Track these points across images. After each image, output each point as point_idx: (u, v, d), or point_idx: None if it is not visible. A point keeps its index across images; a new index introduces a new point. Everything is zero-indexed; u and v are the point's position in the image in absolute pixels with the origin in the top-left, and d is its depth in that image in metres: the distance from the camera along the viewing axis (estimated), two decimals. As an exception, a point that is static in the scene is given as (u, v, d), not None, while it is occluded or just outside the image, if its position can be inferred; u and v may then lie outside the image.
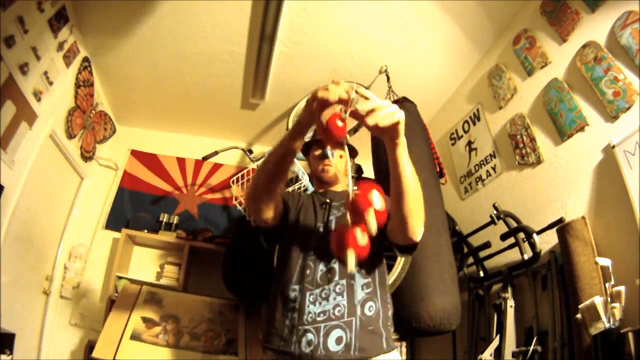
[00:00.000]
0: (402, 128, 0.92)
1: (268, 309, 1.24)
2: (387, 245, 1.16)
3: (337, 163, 1.41)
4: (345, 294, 1.11)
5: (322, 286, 1.12)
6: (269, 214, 1.17)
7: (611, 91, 1.52)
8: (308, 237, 1.23)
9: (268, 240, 1.32)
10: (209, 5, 2.10)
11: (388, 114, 0.88)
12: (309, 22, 2.19)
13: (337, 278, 1.13)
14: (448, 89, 2.69)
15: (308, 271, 1.16)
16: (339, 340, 1.05)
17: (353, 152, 1.52)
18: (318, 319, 1.08)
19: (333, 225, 1.24)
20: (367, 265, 1.17)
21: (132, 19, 2.19)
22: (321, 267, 1.16)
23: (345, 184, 1.50)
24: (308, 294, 1.12)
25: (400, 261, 1.68)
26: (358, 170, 2.36)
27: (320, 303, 1.10)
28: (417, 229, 1.03)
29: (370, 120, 0.87)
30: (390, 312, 1.18)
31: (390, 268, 1.66)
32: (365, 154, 2.21)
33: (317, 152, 1.42)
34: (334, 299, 1.10)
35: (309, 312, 1.09)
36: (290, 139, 1.07)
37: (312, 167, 1.47)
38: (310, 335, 1.06)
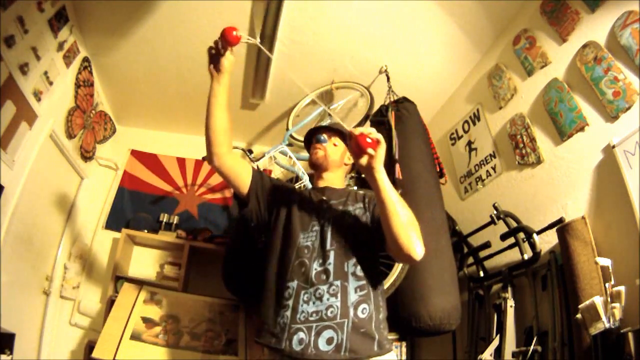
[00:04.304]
0: (382, 152, 1.05)
1: (261, 303, 1.23)
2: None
3: (329, 149, 1.42)
4: (339, 295, 1.11)
5: (316, 285, 1.12)
6: (220, 152, 1.21)
7: (611, 91, 1.52)
8: (304, 235, 1.23)
9: (240, 206, 1.31)
10: (209, 5, 2.10)
11: (375, 132, 1.04)
12: (309, 22, 2.19)
13: (331, 279, 1.13)
14: (448, 89, 2.69)
15: (303, 269, 1.15)
16: (329, 341, 1.06)
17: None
18: (310, 318, 1.08)
19: (330, 225, 1.23)
20: (362, 268, 1.17)
21: (132, 19, 2.19)
22: (316, 266, 1.15)
23: (344, 183, 1.50)
24: (302, 292, 1.12)
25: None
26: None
27: (313, 302, 1.10)
28: (412, 250, 1.06)
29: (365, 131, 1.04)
30: (382, 316, 1.17)
31: (390, 268, 1.66)
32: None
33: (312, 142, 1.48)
34: (327, 299, 1.10)
35: (302, 311, 1.10)
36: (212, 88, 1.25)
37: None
38: (301, 334, 1.07)
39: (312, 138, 1.49)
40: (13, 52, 1.68)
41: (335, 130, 1.46)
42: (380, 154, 1.05)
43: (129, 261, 2.71)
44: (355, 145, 1.06)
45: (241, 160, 1.34)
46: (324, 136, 1.43)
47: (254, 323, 2.19)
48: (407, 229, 1.06)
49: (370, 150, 1.04)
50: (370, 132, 1.04)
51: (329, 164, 1.41)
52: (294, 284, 1.14)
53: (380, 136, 1.05)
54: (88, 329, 2.46)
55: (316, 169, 1.44)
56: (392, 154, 1.92)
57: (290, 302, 1.12)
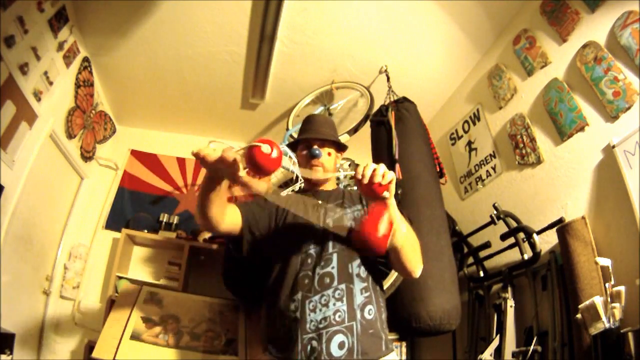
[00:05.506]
0: (394, 186, 1.00)
1: (267, 319, 1.20)
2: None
3: (325, 162, 1.36)
4: (344, 299, 1.11)
5: (320, 292, 1.11)
6: (219, 227, 1.11)
7: (611, 91, 1.52)
8: (304, 243, 1.21)
9: (236, 249, 1.24)
10: (209, 5, 2.10)
11: (387, 172, 0.97)
12: (309, 22, 2.19)
13: (335, 283, 1.12)
14: (448, 89, 2.69)
15: (307, 280, 1.14)
16: (341, 345, 1.05)
17: (342, 148, 1.47)
18: (320, 326, 1.07)
19: (330, 228, 1.21)
20: (365, 269, 1.17)
21: (132, 19, 2.19)
22: (319, 270, 1.14)
23: (335, 183, 1.47)
24: (307, 302, 1.11)
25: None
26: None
27: (320, 310, 1.09)
28: (415, 271, 1.14)
29: (376, 179, 0.95)
30: (384, 316, 1.18)
31: (390, 268, 1.66)
32: (365, 153, 2.21)
33: (304, 152, 1.38)
34: (334, 304, 1.10)
35: (311, 320, 1.08)
36: (206, 189, 1.03)
37: (300, 166, 1.43)
38: (314, 343, 1.06)
39: (298, 145, 1.42)
40: (13, 52, 1.69)
41: (324, 140, 1.38)
42: (392, 189, 0.99)
43: (129, 261, 2.71)
44: (370, 193, 0.98)
45: (231, 211, 1.17)
46: (319, 150, 1.34)
47: (254, 323, 2.19)
48: (413, 259, 1.12)
49: (385, 194, 0.99)
50: (382, 174, 0.96)
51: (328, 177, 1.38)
52: (298, 295, 1.12)
53: (390, 174, 0.97)
54: (88, 329, 2.46)
55: (316, 184, 1.39)
56: (392, 154, 1.92)
57: (298, 314, 1.10)
